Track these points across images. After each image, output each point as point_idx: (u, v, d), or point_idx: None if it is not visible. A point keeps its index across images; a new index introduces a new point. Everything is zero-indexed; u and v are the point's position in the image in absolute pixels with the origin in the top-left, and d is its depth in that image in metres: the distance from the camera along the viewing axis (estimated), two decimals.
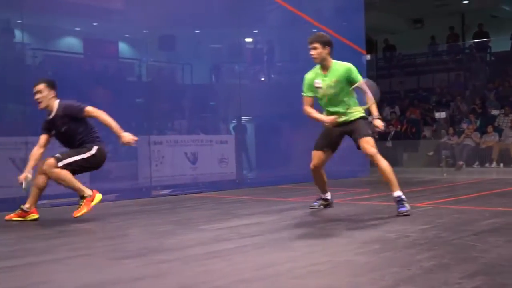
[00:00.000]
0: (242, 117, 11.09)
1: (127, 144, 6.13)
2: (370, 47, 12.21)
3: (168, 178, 9.38)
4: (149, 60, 9.83)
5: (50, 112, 6.18)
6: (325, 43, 5.91)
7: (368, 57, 12.77)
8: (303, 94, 6.10)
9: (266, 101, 11.15)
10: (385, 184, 6.00)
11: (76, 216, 5.94)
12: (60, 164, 5.94)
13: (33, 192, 6.17)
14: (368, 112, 6.02)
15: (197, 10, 9.97)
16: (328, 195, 6.61)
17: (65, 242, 4.83)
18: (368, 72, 13.21)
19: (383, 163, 5.85)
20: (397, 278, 3.22)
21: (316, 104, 6.12)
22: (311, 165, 6.21)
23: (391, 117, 17.77)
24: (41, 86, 6.12)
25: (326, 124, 5.98)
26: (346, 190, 8.93)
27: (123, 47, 10.28)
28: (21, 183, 6.00)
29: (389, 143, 16.09)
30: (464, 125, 16.08)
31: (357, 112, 6.00)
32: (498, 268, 3.41)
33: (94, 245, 4.71)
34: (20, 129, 7.72)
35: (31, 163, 6.13)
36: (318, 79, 5.99)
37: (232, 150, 10.49)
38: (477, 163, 14.61)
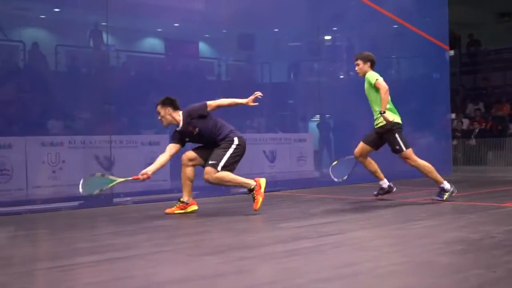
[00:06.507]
0: (322, 115, 11.03)
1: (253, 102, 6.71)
2: (454, 42, 11.81)
3: (246, 176, 9.38)
4: (229, 59, 9.92)
5: (177, 125, 6.40)
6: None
7: (452, 53, 12.35)
8: None
9: (345, 98, 11.03)
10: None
11: (256, 209, 6.19)
12: (219, 168, 6.20)
13: (187, 184, 6.44)
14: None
15: (276, 9, 9.98)
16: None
17: (147, 238, 4.93)
18: (452, 68, 12.80)
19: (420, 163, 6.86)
20: (481, 281, 3.11)
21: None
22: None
23: (475, 114, 17.20)
24: (158, 108, 6.40)
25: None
26: (420, 190, 8.53)
27: (203, 46, 10.44)
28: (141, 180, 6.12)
29: (472, 141, 15.57)
30: None
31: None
32: None
33: (175, 242, 4.80)
34: (105, 128, 7.96)
35: (156, 166, 6.20)
36: None
37: (310, 148, 10.45)
38: None
